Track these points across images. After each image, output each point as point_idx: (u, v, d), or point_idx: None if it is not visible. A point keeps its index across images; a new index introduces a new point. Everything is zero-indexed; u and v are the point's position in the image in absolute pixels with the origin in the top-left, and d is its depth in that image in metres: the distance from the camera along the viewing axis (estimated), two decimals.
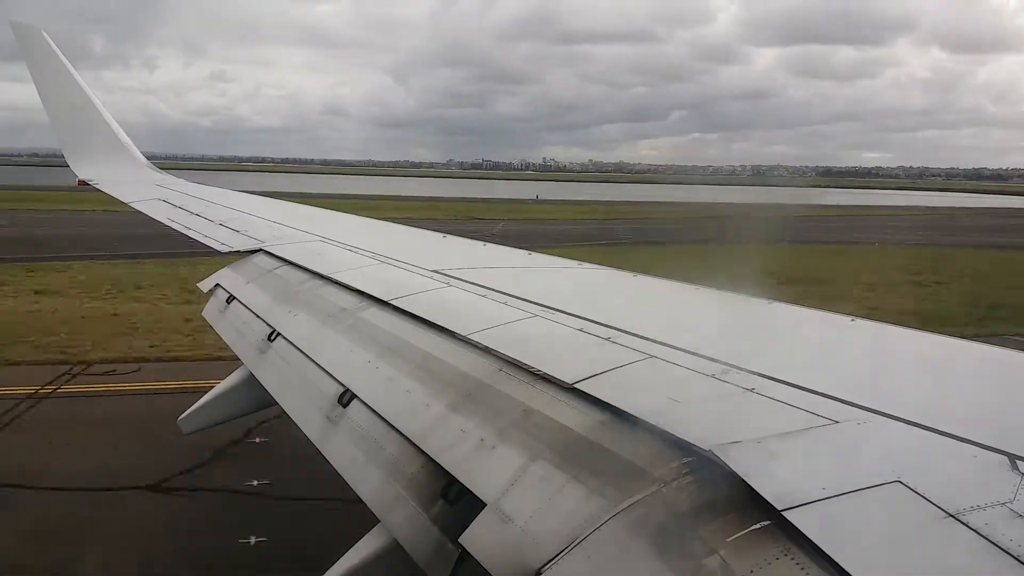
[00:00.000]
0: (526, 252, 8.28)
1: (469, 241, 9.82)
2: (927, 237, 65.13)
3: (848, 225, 79.42)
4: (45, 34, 17.70)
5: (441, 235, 10.37)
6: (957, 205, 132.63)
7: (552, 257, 8.06)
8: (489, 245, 9.12)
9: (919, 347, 4.64)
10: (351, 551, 4.36)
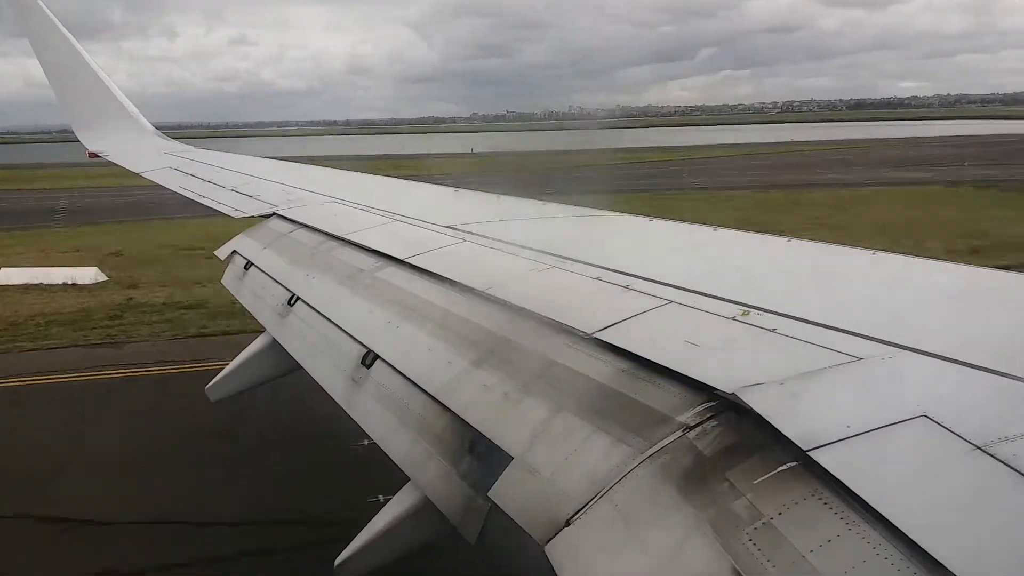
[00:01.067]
0: (540, 203, 8.22)
1: (482, 194, 9.77)
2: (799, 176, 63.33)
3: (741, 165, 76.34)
4: (43, 6, 17.55)
5: (454, 189, 10.32)
6: (958, 133, 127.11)
7: (566, 207, 8.00)
8: (503, 197, 9.06)
9: (943, 278, 4.58)
10: (384, 509, 4.43)
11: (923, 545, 2.09)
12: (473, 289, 5.10)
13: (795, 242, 5.53)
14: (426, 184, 11.54)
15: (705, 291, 4.26)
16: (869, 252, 5.01)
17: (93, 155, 17.43)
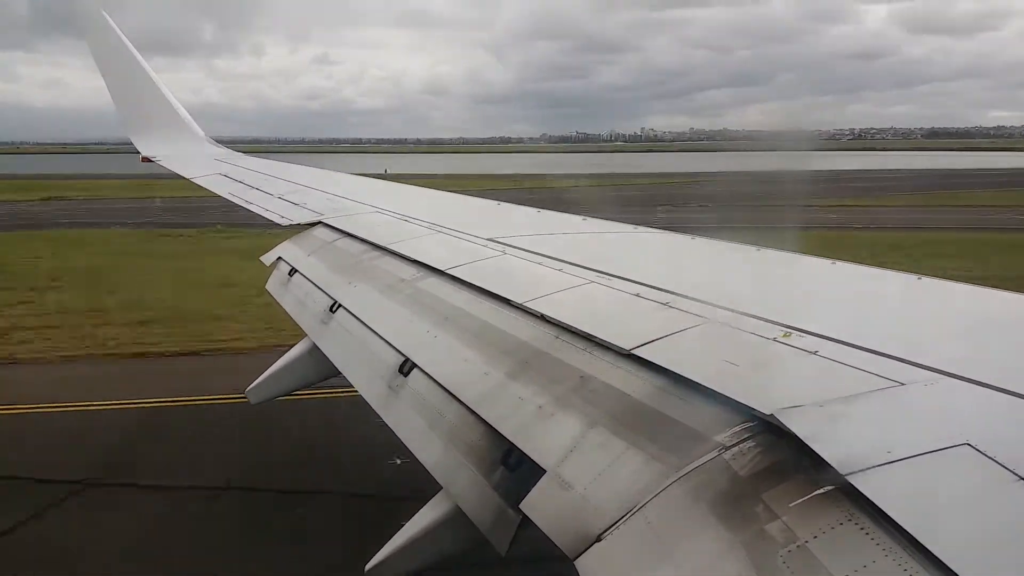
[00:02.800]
0: (581, 218, 8.23)
1: (524, 208, 9.80)
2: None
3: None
4: (105, 14, 18.07)
5: (496, 203, 10.37)
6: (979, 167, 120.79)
7: (607, 222, 8.00)
8: (543, 211, 9.09)
9: (989, 305, 4.48)
10: (415, 517, 4.45)
11: (958, 572, 2.04)
12: (511, 301, 5.11)
13: (839, 264, 5.45)
14: (469, 197, 11.61)
15: (746, 311, 4.22)
16: (914, 276, 4.93)
17: (146, 159, 17.85)
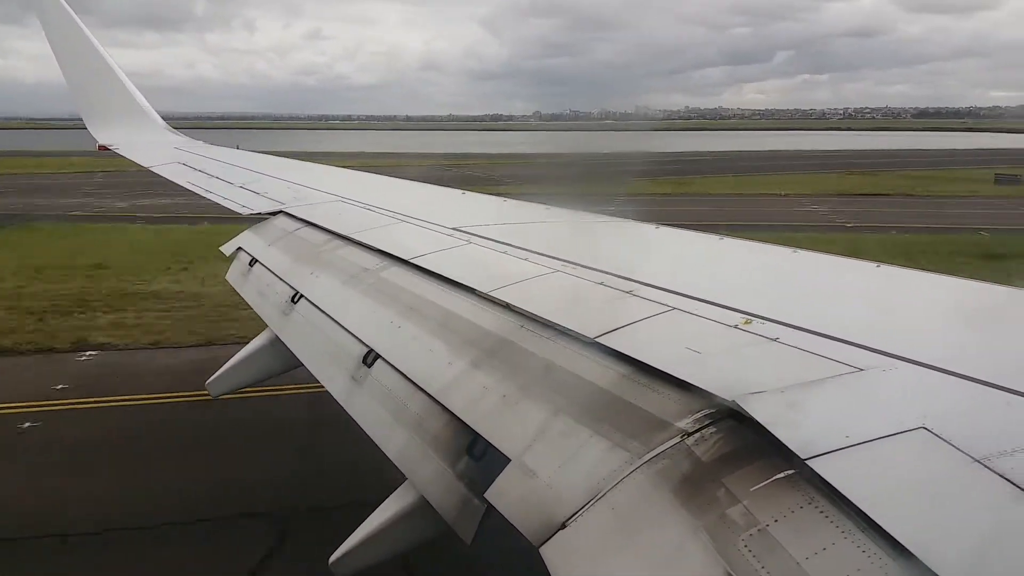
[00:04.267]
0: (545, 207, 8.23)
1: (489, 197, 9.79)
2: None
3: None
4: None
5: (460, 192, 10.34)
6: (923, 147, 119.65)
7: (572, 211, 8.01)
8: (509, 200, 9.07)
9: (946, 291, 4.57)
10: (379, 508, 4.43)
11: (919, 555, 2.08)
12: (476, 291, 5.10)
13: (800, 252, 5.52)
14: (433, 186, 11.55)
15: (708, 299, 4.26)
16: (873, 264, 5.01)
17: (103, 148, 17.50)
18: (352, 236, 7.40)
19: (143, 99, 19.17)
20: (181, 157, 15.58)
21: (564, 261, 5.44)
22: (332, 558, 4.42)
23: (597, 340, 3.91)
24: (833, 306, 4.35)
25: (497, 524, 3.48)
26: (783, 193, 52.17)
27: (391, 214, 8.24)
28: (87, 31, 17.90)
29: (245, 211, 10.22)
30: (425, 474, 4.07)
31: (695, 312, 4.11)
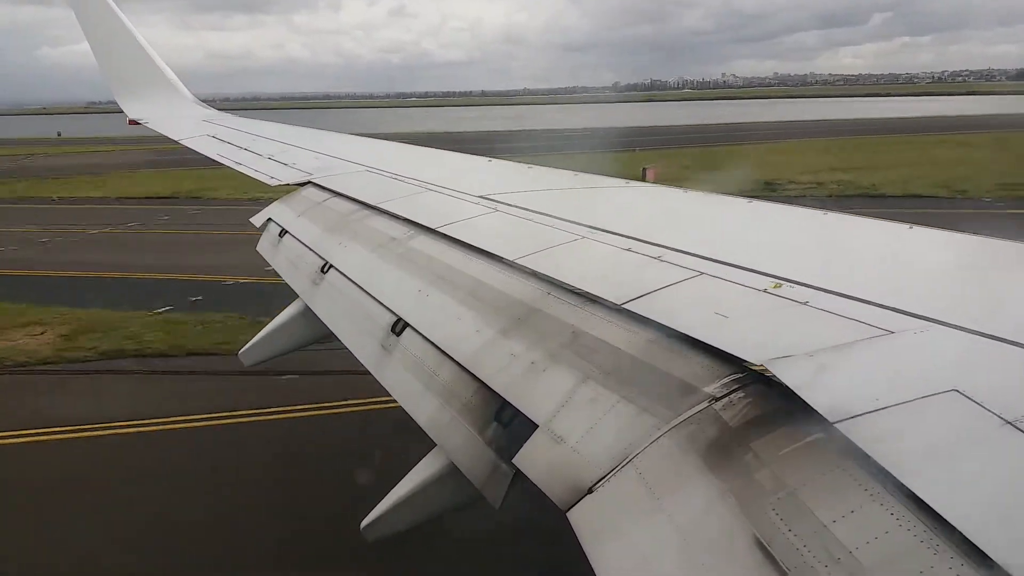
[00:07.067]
0: (572, 173, 8.17)
1: (515, 164, 9.74)
2: None
3: None
4: None
5: (487, 159, 10.30)
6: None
7: (598, 177, 7.95)
8: (535, 167, 9.03)
9: (978, 253, 4.48)
10: (410, 474, 4.49)
11: (947, 517, 2.06)
12: (503, 259, 5.10)
13: (829, 215, 5.44)
14: (460, 154, 11.51)
15: (737, 263, 4.21)
16: (904, 225, 4.91)
17: (133, 122, 17.64)
18: (380, 206, 7.42)
19: (172, 73, 19.26)
20: (210, 130, 15.67)
21: (591, 227, 5.41)
22: (364, 523, 4.50)
23: (624, 306, 3.90)
24: (864, 269, 4.29)
25: (525, 489, 3.51)
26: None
27: (418, 183, 8.24)
28: (114, 5, 17.97)
29: (274, 182, 10.28)
30: (454, 440, 4.11)
31: (724, 277, 4.08)
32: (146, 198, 42.22)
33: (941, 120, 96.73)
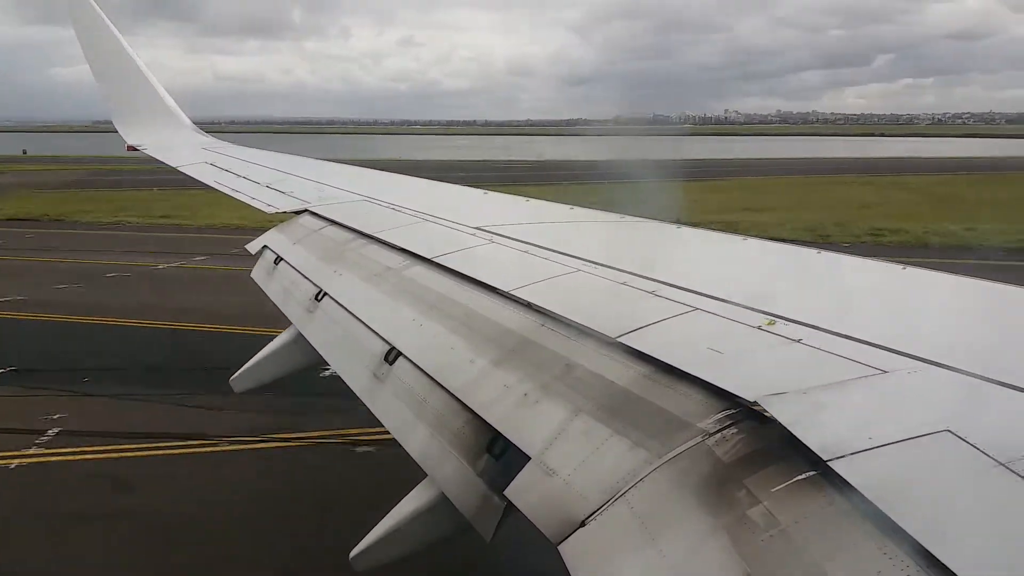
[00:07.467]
0: (568, 207, 8.22)
1: (511, 197, 9.79)
2: None
3: None
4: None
5: (483, 192, 10.36)
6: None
7: (595, 211, 8.00)
8: (532, 200, 9.08)
9: (972, 295, 4.51)
10: (400, 504, 4.45)
11: (940, 558, 2.05)
12: (498, 290, 5.11)
13: (824, 254, 5.48)
14: (456, 186, 11.58)
15: (731, 299, 4.23)
16: (899, 266, 4.95)
17: (131, 148, 17.70)
18: (376, 235, 7.44)
19: (171, 100, 19.37)
20: (209, 157, 15.74)
21: (586, 260, 5.43)
22: (352, 553, 4.45)
23: (619, 339, 3.90)
24: (857, 308, 4.31)
25: (517, 522, 3.49)
26: None
27: (415, 213, 8.27)
28: (116, 31, 18.12)
29: (271, 210, 10.31)
30: (445, 471, 4.08)
31: (718, 312, 4.09)
32: (6, 220, 39.99)
33: (897, 161, 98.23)
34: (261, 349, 7.97)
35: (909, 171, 79.32)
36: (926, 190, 57.49)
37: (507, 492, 3.48)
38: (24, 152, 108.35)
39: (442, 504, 4.13)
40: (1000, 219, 36.23)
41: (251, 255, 9.30)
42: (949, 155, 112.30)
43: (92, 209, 42.50)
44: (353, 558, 4.45)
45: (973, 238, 32.33)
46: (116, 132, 18.32)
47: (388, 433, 4.69)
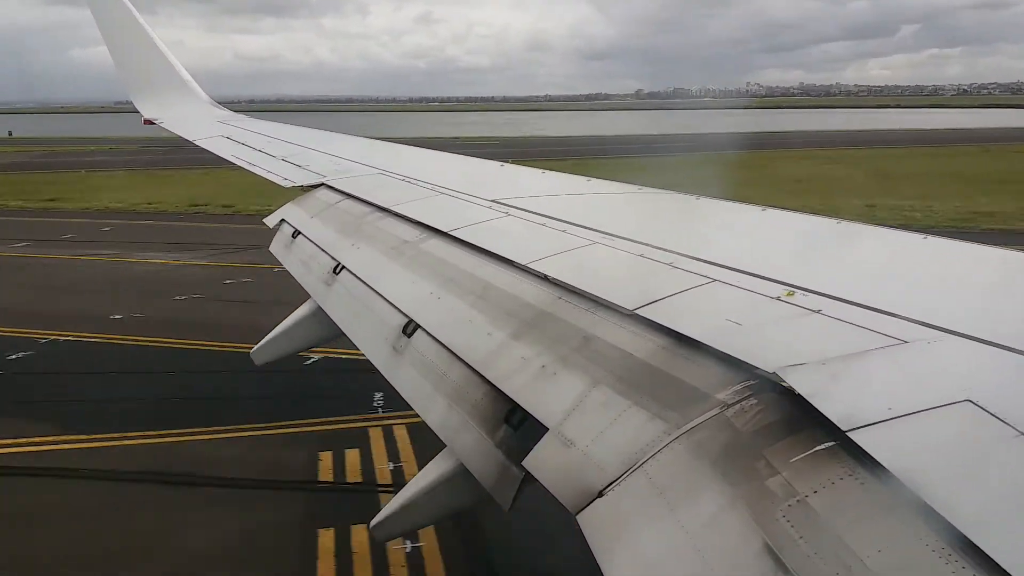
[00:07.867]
0: (585, 179, 8.18)
1: (528, 169, 9.76)
2: None
3: None
4: None
5: (499, 164, 10.32)
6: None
7: (611, 183, 7.95)
8: (548, 172, 9.04)
9: (992, 264, 4.47)
10: (419, 474, 4.50)
11: (958, 527, 2.06)
12: (514, 262, 5.11)
13: (843, 223, 5.43)
14: (472, 158, 11.53)
15: (750, 270, 4.21)
16: (919, 235, 4.90)
17: (148, 122, 17.75)
18: (392, 208, 7.44)
19: (187, 74, 19.37)
20: (225, 131, 15.76)
21: (603, 233, 5.41)
22: (372, 522, 4.51)
23: (636, 312, 3.90)
24: (877, 278, 4.28)
25: (535, 492, 3.51)
26: None
27: (431, 186, 8.27)
28: (131, 6, 18.10)
29: (287, 183, 10.33)
30: (464, 442, 4.11)
31: (736, 284, 4.07)
32: None
33: (897, 134, 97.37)
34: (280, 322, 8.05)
35: (903, 143, 79.22)
36: (879, 163, 58.09)
37: (525, 462, 3.51)
38: (10, 134, 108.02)
39: (461, 475, 4.17)
40: None
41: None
42: (958, 126, 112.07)
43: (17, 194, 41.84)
44: (373, 527, 4.51)
45: None
46: (136, 112, 18.34)
47: None
